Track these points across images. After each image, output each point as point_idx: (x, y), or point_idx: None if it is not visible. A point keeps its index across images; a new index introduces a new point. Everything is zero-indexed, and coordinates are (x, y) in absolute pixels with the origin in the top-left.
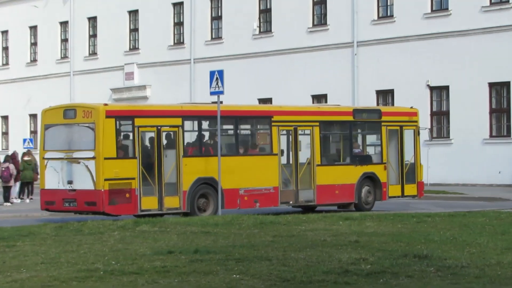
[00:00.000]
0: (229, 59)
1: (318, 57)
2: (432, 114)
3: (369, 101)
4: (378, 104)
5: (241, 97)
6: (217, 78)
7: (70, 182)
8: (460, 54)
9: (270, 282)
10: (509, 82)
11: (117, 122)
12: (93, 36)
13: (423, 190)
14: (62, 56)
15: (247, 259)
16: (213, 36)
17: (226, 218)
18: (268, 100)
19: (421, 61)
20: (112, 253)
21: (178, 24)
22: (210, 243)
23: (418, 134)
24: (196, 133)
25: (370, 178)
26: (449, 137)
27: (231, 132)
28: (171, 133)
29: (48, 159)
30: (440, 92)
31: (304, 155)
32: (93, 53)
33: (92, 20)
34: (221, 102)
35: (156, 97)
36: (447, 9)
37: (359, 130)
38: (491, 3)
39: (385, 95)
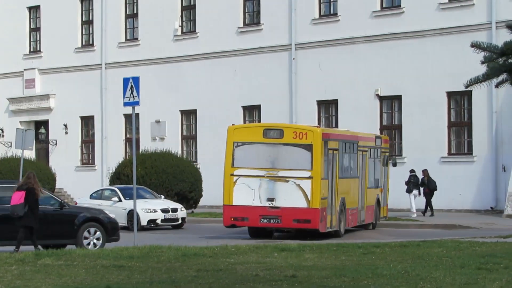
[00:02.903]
0: (146, 64)
1: (250, 62)
2: (382, 128)
3: (310, 113)
4: (319, 117)
5: (160, 108)
6: (131, 87)
7: (271, 200)
8: (414, 59)
9: None
10: (470, 92)
11: (324, 144)
12: None
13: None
14: None
15: None
16: (128, 37)
17: (143, 249)
18: (192, 112)
19: (369, 67)
20: None
21: (87, 22)
22: (124, 279)
23: (390, 159)
24: (340, 156)
25: (376, 200)
26: (401, 155)
27: (347, 156)
28: (335, 155)
29: (240, 176)
30: (391, 103)
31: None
32: None
33: None
34: (137, 114)
35: (61, 108)
36: (399, 6)
37: (373, 155)
38: (450, 0)
39: (328, 107)
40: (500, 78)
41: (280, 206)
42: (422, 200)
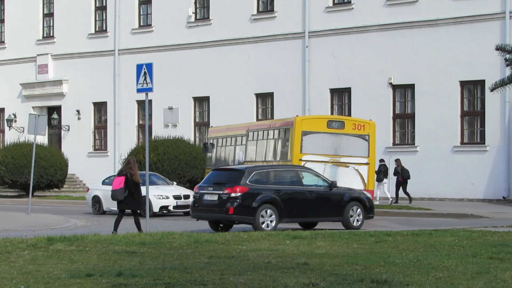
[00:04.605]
0: (159, 50)
1: (264, 49)
2: (395, 117)
3: (322, 101)
4: (332, 105)
5: (173, 95)
6: (145, 73)
7: None
8: (427, 48)
9: None
10: (483, 81)
11: None
12: None
13: None
14: None
15: (179, 284)
16: (141, 24)
17: (155, 236)
18: (205, 99)
19: (382, 56)
20: (21, 276)
21: (100, 8)
22: (136, 264)
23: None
24: None
25: None
26: (414, 144)
27: None
28: None
29: (307, 161)
30: (404, 92)
31: None
32: (0, 41)
33: None
34: (150, 101)
35: (73, 94)
36: None
37: None
38: None
39: (341, 95)
40: None
41: None
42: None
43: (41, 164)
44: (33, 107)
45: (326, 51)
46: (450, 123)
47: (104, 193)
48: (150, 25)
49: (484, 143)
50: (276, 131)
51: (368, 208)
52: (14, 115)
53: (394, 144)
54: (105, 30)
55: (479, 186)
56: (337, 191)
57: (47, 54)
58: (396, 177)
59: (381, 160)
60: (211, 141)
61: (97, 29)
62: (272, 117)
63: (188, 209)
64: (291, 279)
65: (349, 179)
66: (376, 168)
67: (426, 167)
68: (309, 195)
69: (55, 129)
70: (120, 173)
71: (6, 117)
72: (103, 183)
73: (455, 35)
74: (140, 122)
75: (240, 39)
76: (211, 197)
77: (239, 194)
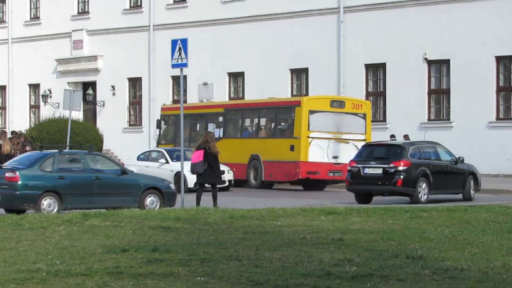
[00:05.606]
0: (194, 26)
1: (298, 25)
2: (430, 92)
3: (357, 77)
4: (367, 81)
5: (208, 71)
6: (180, 48)
7: (335, 157)
8: (463, 23)
9: (240, 285)
10: None
11: None
12: None
13: None
14: None
15: (214, 259)
16: None
17: (190, 211)
18: (240, 75)
19: (417, 31)
20: (57, 251)
21: None
22: (171, 240)
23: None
24: None
25: None
26: (449, 120)
27: None
28: None
29: (313, 138)
30: (439, 67)
31: None
32: (35, 17)
33: None
34: (185, 76)
35: (108, 70)
36: None
37: None
38: None
39: (376, 70)
40: None
41: (342, 163)
42: None
43: (77, 139)
44: (68, 83)
45: (361, 26)
46: (485, 99)
47: (140, 168)
48: (185, 0)
49: None
50: (273, 110)
51: (478, 182)
52: (50, 90)
53: (429, 119)
54: (140, 6)
55: None
56: (460, 166)
57: (82, 29)
58: None
59: (392, 136)
60: (165, 118)
61: (131, 5)
62: (306, 93)
63: (223, 185)
64: (326, 255)
65: (349, 154)
66: None
67: (461, 142)
68: (445, 169)
69: (90, 105)
70: (198, 147)
71: (41, 92)
72: (138, 158)
73: (490, 10)
74: (175, 97)
75: (275, 15)
76: (373, 170)
77: (405, 167)
